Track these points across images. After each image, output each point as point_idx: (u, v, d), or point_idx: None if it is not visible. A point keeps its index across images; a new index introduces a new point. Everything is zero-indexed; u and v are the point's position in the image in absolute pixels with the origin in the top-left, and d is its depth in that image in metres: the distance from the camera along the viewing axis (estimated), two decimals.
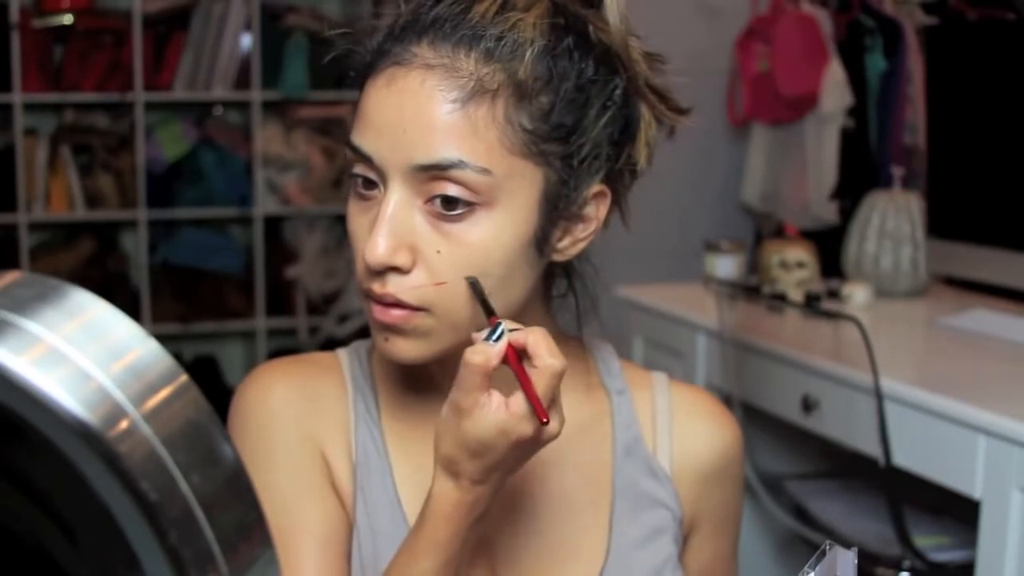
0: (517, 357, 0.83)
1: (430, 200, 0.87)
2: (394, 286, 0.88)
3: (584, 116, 0.89)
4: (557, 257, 0.93)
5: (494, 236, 0.88)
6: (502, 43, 0.87)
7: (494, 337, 0.83)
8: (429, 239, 0.87)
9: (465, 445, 0.83)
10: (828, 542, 0.78)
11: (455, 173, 0.86)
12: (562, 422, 0.85)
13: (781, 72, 3.34)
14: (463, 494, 0.85)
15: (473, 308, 0.88)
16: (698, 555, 1.05)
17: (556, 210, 0.90)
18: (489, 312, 0.86)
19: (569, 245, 0.93)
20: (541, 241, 0.90)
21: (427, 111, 0.86)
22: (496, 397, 0.83)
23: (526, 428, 0.82)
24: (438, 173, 0.86)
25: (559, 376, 0.83)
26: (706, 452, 1.04)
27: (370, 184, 0.90)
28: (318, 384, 1.00)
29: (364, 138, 0.89)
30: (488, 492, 0.86)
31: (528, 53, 0.87)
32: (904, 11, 3.27)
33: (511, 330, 0.84)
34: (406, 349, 0.90)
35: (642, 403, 1.04)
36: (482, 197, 0.87)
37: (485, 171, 0.86)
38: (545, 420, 0.82)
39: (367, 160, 0.89)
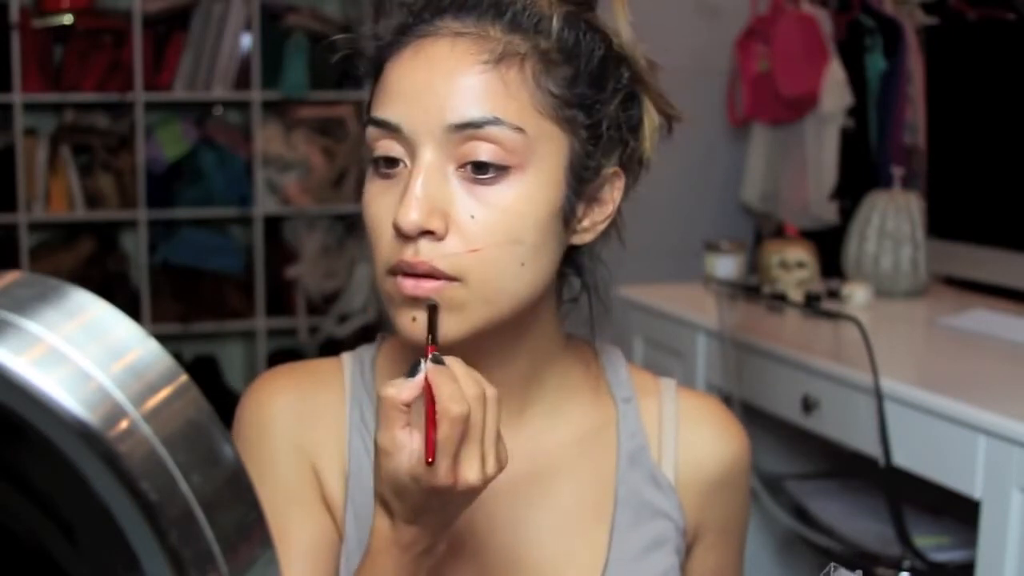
0: (432, 395, 0.79)
1: (463, 165, 0.86)
2: (428, 253, 0.86)
3: (602, 90, 0.91)
4: (577, 240, 0.93)
5: (527, 199, 0.87)
6: (525, 13, 0.88)
7: (419, 371, 0.80)
8: (463, 204, 0.86)
9: (388, 485, 0.81)
10: (832, 564, 0.78)
11: (491, 131, 0.85)
12: (487, 474, 0.81)
13: (781, 72, 3.34)
14: (397, 533, 0.83)
15: (507, 279, 0.87)
16: (702, 564, 1.04)
17: (580, 183, 0.90)
18: (433, 341, 0.83)
19: (589, 227, 0.93)
20: (568, 214, 0.90)
21: (459, 72, 0.86)
22: (416, 440, 0.79)
23: (437, 477, 0.79)
24: (473, 132, 0.86)
25: (460, 422, 0.78)
26: (712, 460, 1.03)
27: (391, 163, 0.89)
28: (317, 395, 1.00)
29: (391, 109, 0.88)
30: (425, 534, 0.83)
31: (551, 24, 0.89)
32: (904, 11, 3.27)
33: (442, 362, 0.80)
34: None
35: (649, 410, 1.03)
36: (515, 159, 0.86)
37: (519, 129, 0.86)
38: (430, 460, 0.78)
39: (394, 131, 0.88)
